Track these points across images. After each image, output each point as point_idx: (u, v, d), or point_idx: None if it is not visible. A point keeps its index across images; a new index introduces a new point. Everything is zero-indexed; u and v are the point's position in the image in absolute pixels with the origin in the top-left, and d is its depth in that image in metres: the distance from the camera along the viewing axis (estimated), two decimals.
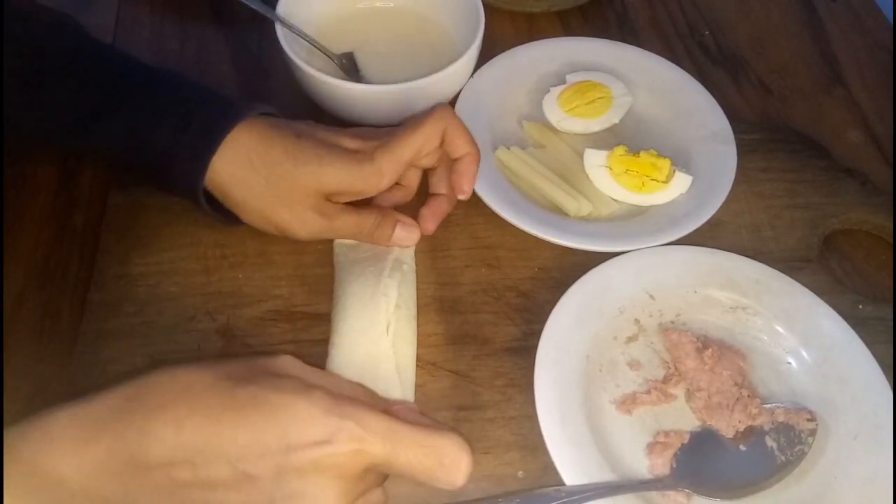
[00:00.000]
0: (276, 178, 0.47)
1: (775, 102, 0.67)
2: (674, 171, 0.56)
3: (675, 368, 0.49)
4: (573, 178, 0.57)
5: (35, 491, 0.33)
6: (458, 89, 0.59)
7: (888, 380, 0.47)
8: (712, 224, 0.54)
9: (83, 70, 0.49)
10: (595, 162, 0.56)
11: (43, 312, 0.50)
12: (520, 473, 0.45)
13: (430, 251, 0.54)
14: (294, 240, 0.50)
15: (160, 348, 0.49)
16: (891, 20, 0.74)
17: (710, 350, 0.48)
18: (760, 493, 0.44)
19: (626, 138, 0.59)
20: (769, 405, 0.47)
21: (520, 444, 0.46)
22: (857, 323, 0.49)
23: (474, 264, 0.54)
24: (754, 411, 0.46)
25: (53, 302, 0.51)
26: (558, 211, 0.55)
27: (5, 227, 0.54)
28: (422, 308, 0.51)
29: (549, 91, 0.61)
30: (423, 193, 0.55)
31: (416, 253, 0.53)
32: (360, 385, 0.42)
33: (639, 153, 0.56)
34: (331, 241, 0.53)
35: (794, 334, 0.50)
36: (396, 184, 0.52)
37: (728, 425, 0.46)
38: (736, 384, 0.47)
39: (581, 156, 0.57)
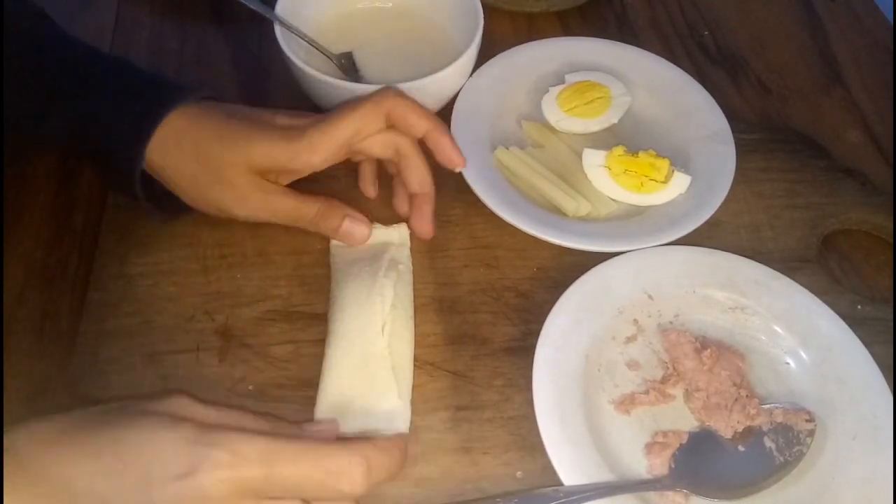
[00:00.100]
0: (205, 159, 0.47)
1: (775, 102, 0.67)
2: (673, 172, 0.56)
3: (674, 369, 0.49)
4: (572, 178, 0.57)
5: None
6: (457, 89, 0.59)
7: (887, 380, 0.47)
8: (711, 224, 0.54)
9: (37, 60, 0.49)
10: (594, 162, 0.56)
11: (43, 312, 0.50)
12: (518, 473, 0.45)
13: (429, 251, 0.54)
14: (238, 220, 0.49)
15: (159, 348, 0.49)
16: (891, 20, 0.74)
17: (709, 350, 0.48)
18: (759, 493, 0.44)
19: (625, 138, 0.59)
20: (768, 405, 0.47)
21: (518, 444, 0.46)
22: (855, 323, 0.49)
23: (473, 264, 0.54)
24: (753, 412, 0.46)
25: (53, 302, 0.51)
26: (557, 211, 0.55)
27: (5, 227, 0.54)
28: (420, 308, 0.51)
29: (548, 91, 0.61)
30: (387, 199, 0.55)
31: (414, 253, 0.53)
32: (269, 416, 0.40)
33: (638, 153, 0.56)
34: (329, 241, 0.53)
35: (793, 334, 0.50)
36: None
37: (726, 425, 0.46)
38: (734, 384, 0.47)
39: (580, 156, 0.57)
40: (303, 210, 0.49)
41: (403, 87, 0.54)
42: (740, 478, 0.44)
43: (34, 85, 0.49)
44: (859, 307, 0.53)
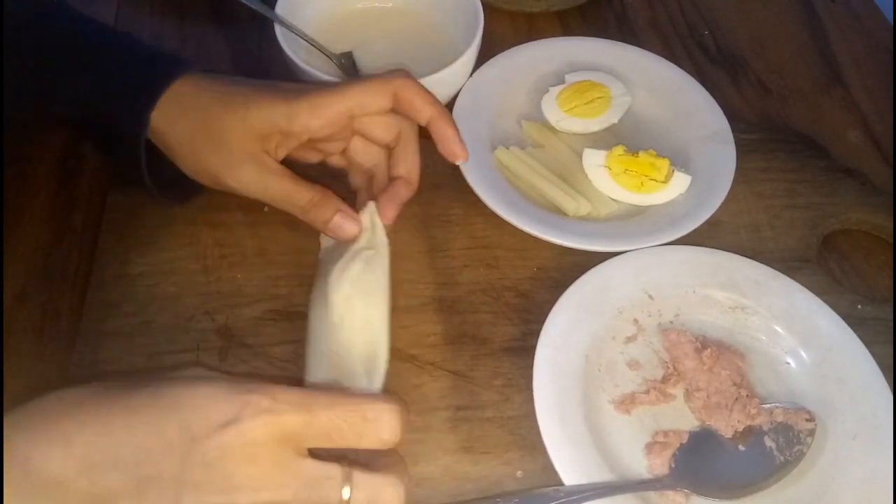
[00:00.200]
0: (206, 123, 0.46)
1: (775, 102, 0.67)
2: (673, 171, 0.56)
3: (674, 368, 0.49)
4: (572, 177, 0.57)
5: None
6: (457, 89, 0.60)
7: (887, 380, 0.47)
8: (711, 224, 0.54)
9: (44, 34, 0.49)
10: (594, 162, 0.56)
11: (43, 312, 0.50)
12: (518, 473, 0.45)
13: (429, 251, 0.54)
14: (232, 192, 0.48)
15: (159, 348, 0.49)
16: (891, 20, 0.74)
17: (709, 350, 0.48)
18: (759, 493, 0.44)
19: (625, 138, 0.59)
20: (768, 405, 0.47)
21: (518, 444, 0.46)
22: (855, 323, 0.49)
23: (473, 264, 0.54)
24: (753, 411, 0.46)
25: (53, 301, 0.51)
26: (557, 211, 0.55)
27: (5, 227, 0.54)
28: (420, 308, 0.51)
29: (548, 91, 0.61)
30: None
31: (414, 253, 0.53)
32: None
33: (638, 153, 0.56)
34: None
35: (793, 334, 0.50)
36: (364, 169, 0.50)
37: (727, 425, 0.46)
38: (735, 384, 0.47)
39: (580, 155, 0.57)
40: (296, 195, 0.48)
41: None
42: (741, 477, 0.44)
43: (43, 59, 0.49)
44: (859, 307, 0.53)
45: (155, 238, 0.54)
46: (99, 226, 0.54)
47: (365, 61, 0.62)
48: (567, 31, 0.71)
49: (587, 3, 0.72)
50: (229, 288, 0.52)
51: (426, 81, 0.55)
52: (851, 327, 0.49)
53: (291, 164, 0.49)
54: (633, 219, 0.55)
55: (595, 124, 0.60)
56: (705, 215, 0.53)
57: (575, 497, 0.41)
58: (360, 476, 0.35)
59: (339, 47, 0.62)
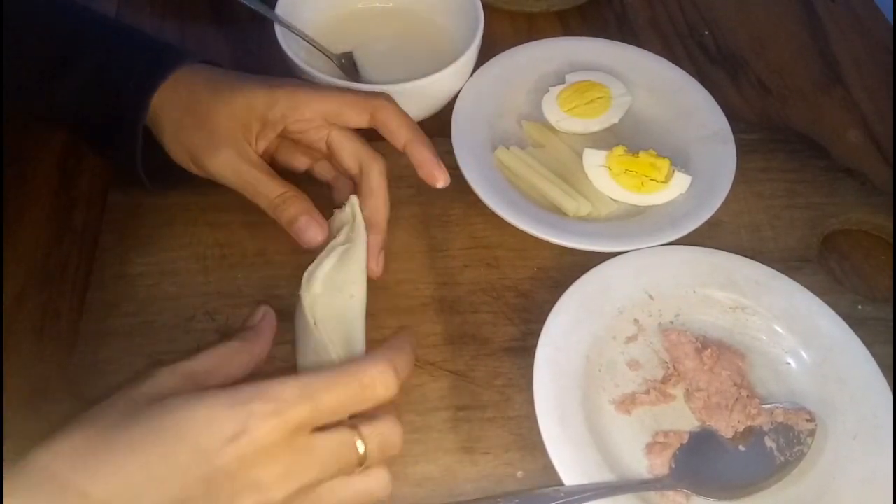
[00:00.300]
0: (194, 105, 0.48)
1: (775, 102, 0.67)
2: (673, 171, 0.56)
3: (675, 368, 0.49)
4: (572, 177, 0.57)
5: None
6: (457, 89, 0.59)
7: (887, 380, 0.47)
8: (711, 224, 0.54)
9: (43, 24, 0.51)
10: (594, 162, 0.56)
11: (43, 312, 0.50)
12: (519, 473, 0.45)
13: (429, 251, 0.54)
14: (206, 176, 0.49)
15: (159, 348, 0.49)
16: (891, 20, 0.74)
17: (710, 350, 0.48)
18: (759, 493, 0.44)
19: (626, 138, 0.59)
20: (768, 405, 0.47)
21: (519, 444, 0.46)
22: (856, 323, 0.49)
23: (473, 264, 0.54)
24: (753, 411, 0.46)
25: (53, 302, 0.51)
26: (557, 211, 0.55)
27: (5, 227, 0.54)
28: (420, 308, 0.51)
29: (548, 91, 0.61)
30: None
31: (414, 253, 0.53)
32: (236, 335, 0.42)
33: (638, 153, 0.56)
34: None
35: (794, 334, 0.50)
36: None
37: (727, 425, 0.46)
38: (735, 384, 0.47)
39: (580, 156, 0.57)
40: (268, 186, 0.48)
41: (404, 87, 0.54)
42: (741, 478, 0.44)
43: (46, 48, 0.50)
44: (860, 307, 0.53)
45: (155, 238, 0.54)
46: (99, 226, 0.54)
47: (365, 61, 0.62)
48: (567, 31, 0.71)
49: (587, 3, 0.72)
50: (229, 288, 0.52)
51: (426, 81, 0.55)
52: (852, 327, 0.49)
53: (278, 170, 0.50)
54: (633, 219, 0.55)
55: (595, 124, 0.60)
56: (705, 215, 0.53)
57: (575, 497, 0.41)
58: (366, 428, 0.38)
59: (339, 47, 0.62)
